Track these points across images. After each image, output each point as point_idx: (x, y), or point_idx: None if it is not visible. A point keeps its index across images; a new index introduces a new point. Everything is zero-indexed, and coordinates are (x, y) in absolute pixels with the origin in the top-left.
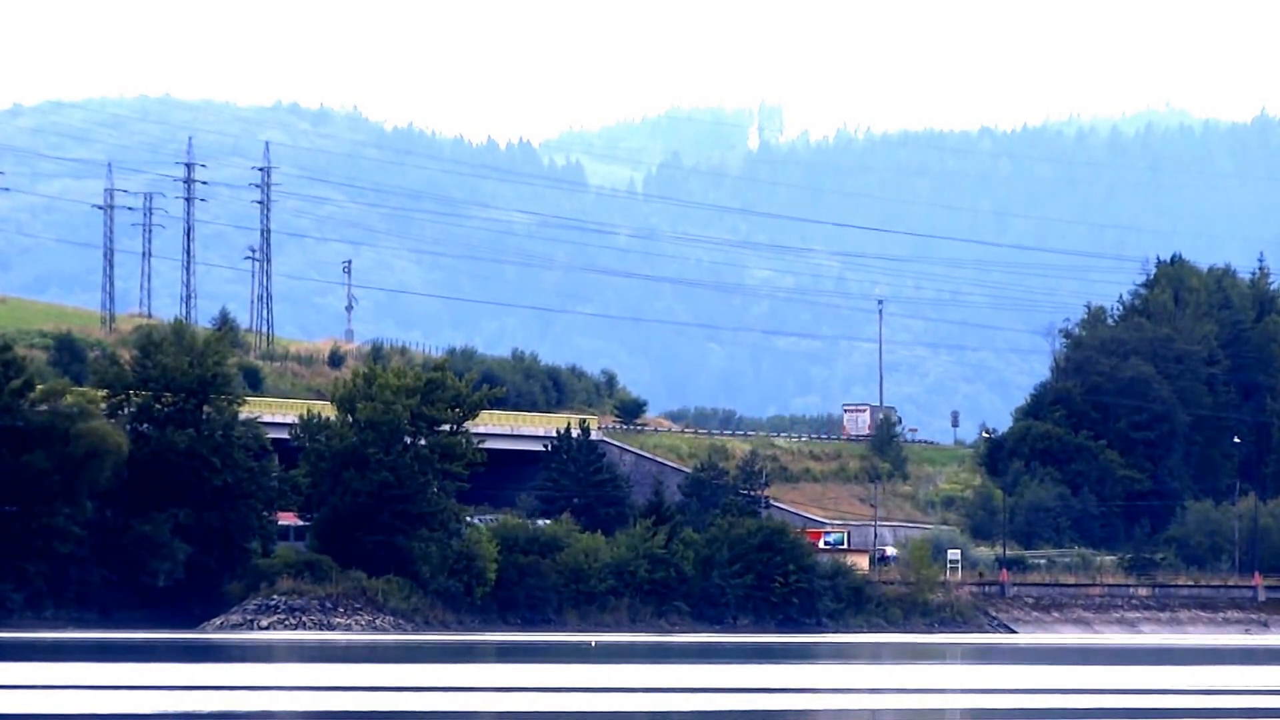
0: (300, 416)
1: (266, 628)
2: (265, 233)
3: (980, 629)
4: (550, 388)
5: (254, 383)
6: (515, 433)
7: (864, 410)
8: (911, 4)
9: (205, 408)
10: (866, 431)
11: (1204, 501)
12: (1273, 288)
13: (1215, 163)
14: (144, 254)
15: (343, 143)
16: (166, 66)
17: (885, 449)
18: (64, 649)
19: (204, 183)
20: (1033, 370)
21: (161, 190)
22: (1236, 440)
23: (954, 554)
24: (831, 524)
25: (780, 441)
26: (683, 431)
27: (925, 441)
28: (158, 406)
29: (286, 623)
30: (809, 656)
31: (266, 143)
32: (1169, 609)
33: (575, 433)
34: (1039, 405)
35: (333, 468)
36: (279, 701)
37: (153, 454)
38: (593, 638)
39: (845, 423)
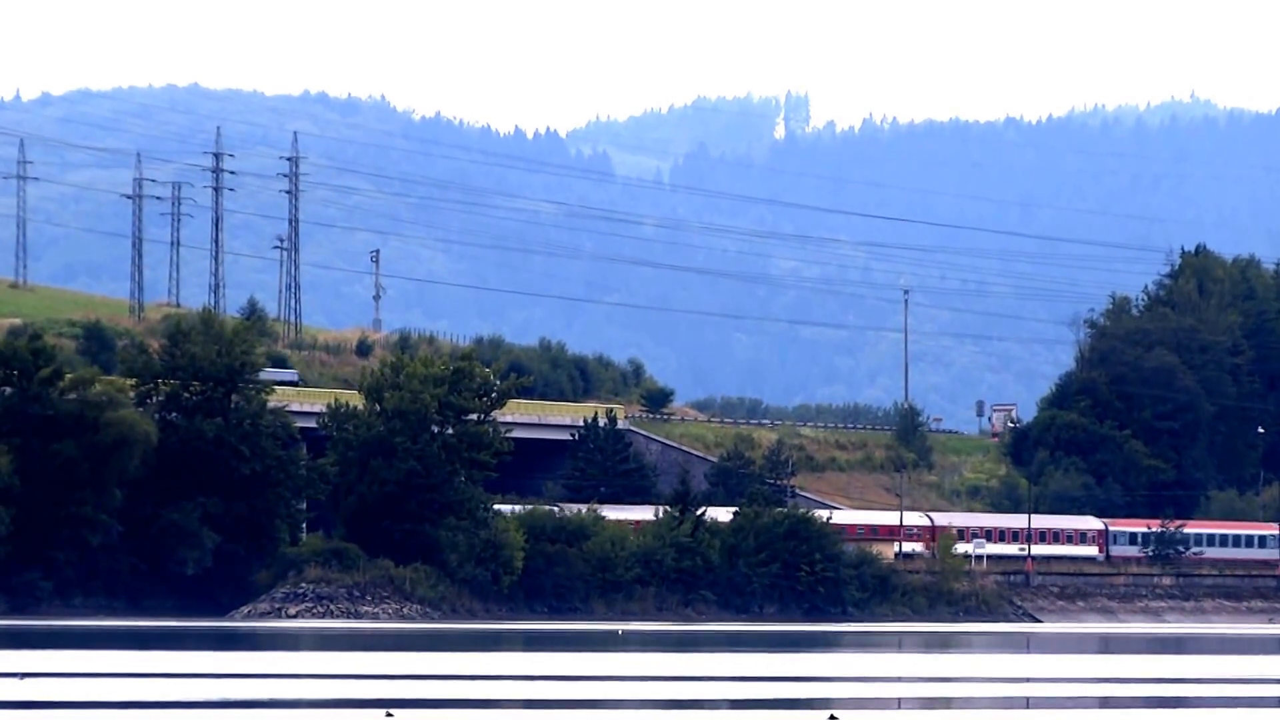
0: (328, 405)
1: (294, 616)
2: (293, 222)
3: (1005, 618)
4: (577, 377)
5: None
6: (542, 422)
7: (1011, 409)
8: None
9: (233, 396)
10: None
11: (1228, 491)
12: None
13: (1240, 153)
14: (172, 243)
15: (370, 133)
16: (194, 56)
17: (910, 439)
18: (93, 637)
19: (232, 172)
20: (1058, 360)
21: (190, 180)
22: (1261, 430)
23: (980, 543)
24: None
25: (806, 431)
26: (709, 421)
27: (950, 431)
28: (186, 395)
29: (314, 611)
30: (835, 645)
31: (294, 132)
32: (1193, 598)
33: (602, 422)
34: (1064, 395)
35: (360, 457)
36: (307, 689)
37: (181, 443)
38: (620, 626)
39: (994, 421)
